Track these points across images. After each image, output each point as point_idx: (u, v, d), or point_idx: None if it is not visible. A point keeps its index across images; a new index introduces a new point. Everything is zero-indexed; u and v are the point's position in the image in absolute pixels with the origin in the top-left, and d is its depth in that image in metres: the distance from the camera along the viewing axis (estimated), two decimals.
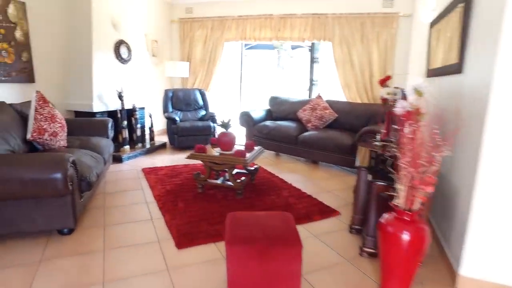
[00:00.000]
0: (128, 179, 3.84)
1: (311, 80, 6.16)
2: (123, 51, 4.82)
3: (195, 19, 6.40)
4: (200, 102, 5.95)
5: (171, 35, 6.77)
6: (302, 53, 7.27)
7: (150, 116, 5.27)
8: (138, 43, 5.15)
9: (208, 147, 3.68)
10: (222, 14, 6.21)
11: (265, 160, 4.89)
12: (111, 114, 4.74)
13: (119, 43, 4.73)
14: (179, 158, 4.82)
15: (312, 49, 6.11)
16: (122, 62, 4.82)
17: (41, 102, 3.07)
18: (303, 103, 5.42)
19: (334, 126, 5.02)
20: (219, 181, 3.47)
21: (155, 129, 6.00)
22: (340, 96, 5.80)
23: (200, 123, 5.35)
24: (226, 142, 3.43)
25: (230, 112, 6.71)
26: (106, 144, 3.58)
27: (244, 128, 5.51)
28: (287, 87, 7.99)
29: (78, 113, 4.54)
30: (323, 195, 3.45)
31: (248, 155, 3.39)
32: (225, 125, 3.43)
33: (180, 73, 6.05)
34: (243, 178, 3.45)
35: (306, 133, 4.78)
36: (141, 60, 5.18)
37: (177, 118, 5.30)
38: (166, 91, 5.78)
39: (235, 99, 6.69)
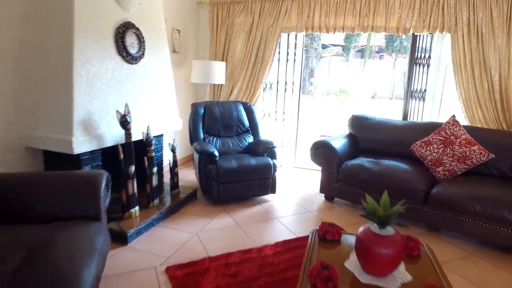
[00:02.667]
0: None
1: (409, 92, 4.11)
2: (131, 41, 2.79)
3: (234, 0, 4.37)
4: (246, 123, 3.90)
5: (199, 23, 4.73)
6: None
7: (173, 150, 3.22)
8: (154, 30, 3.12)
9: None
10: None
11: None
12: (108, 153, 2.71)
13: (125, 28, 2.70)
14: (227, 224, 2.78)
15: (413, 45, 4.06)
16: (129, 61, 2.78)
17: None
18: (418, 129, 3.38)
19: (482, 172, 2.98)
20: None
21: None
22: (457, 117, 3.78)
23: (253, 161, 3.30)
24: (384, 258, 1.40)
25: (286, 139, 4.66)
26: (94, 248, 1.55)
27: (321, 167, 3.47)
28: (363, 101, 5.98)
29: (49, 155, 2.51)
30: None
31: None
32: None
33: (214, 77, 4.01)
34: None
35: (447, 187, 2.74)
36: (159, 59, 3.16)
37: (216, 153, 3.26)
38: (195, 107, 3.74)
39: (290, 118, 4.64)
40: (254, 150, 3.58)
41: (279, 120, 4.65)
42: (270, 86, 4.62)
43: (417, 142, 3.21)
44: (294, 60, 4.46)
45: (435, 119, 3.99)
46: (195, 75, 4.04)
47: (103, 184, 1.91)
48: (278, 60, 4.49)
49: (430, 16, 3.68)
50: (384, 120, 3.69)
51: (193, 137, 3.63)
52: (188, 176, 4.12)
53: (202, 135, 3.66)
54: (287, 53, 4.45)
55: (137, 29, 2.83)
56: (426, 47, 3.98)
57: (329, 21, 4.01)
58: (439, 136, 3.08)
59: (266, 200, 3.47)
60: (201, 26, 4.72)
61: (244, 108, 3.94)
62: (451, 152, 2.95)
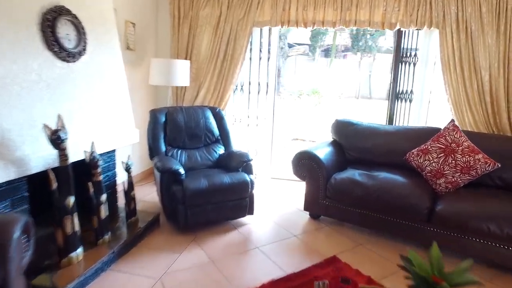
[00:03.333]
0: None
1: (395, 94, 3.76)
2: (66, 32, 2.14)
3: None
4: (216, 131, 3.35)
5: (157, 16, 4.10)
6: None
7: (128, 169, 2.59)
8: (100, 19, 2.48)
9: None
10: None
11: (364, 257, 2.40)
12: (35, 180, 2.04)
13: (56, 14, 2.05)
14: (199, 261, 2.22)
15: (398, 41, 3.71)
16: (65, 58, 2.13)
17: None
18: (412, 136, 3.01)
19: (485, 183, 2.66)
20: None
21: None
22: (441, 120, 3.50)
23: (226, 178, 2.76)
24: None
25: (261, 146, 4.14)
26: None
27: (305, 181, 3.01)
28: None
29: None
30: None
31: None
32: None
33: (177, 78, 3.43)
34: None
35: (453, 203, 2.38)
36: (107, 56, 2.52)
37: (181, 170, 2.68)
38: (155, 114, 3.14)
39: (264, 123, 4.13)
40: (226, 164, 3.04)
41: (252, 125, 4.13)
42: (241, 88, 4.10)
43: (413, 151, 2.84)
44: (268, 58, 3.97)
45: (423, 123, 3.67)
46: (154, 76, 3.43)
47: (15, 235, 1.30)
48: (250, 59, 3.97)
49: (418, 10, 3.34)
50: (373, 125, 3.30)
51: (153, 150, 3.03)
52: (149, 195, 3.49)
53: (164, 148, 3.07)
54: (260, 50, 3.95)
55: (74, 16, 2.19)
56: (411, 45, 3.65)
57: (307, 15, 3.55)
58: (438, 143, 2.72)
59: (243, 224, 2.94)
60: (160, 20, 4.09)
61: (212, 114, 3.39)
62: (453, 161, 2.60)
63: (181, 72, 3.45)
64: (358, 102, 13.12)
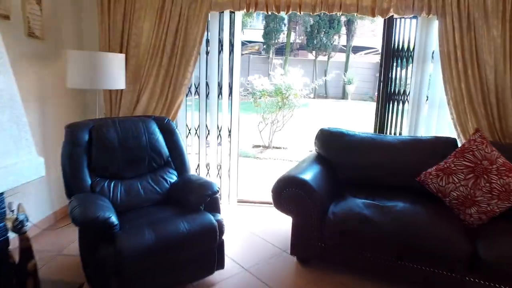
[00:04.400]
0: None
1: (386, 94, 3.11)
2: None
3: None
4: (165, 151, 2.43)
5: None
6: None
7: (19, 227, 1.60)
8: None
9: None
10: None
11: None
12: None
13: None
14: None
15: (388, 32, 3.06)
16: None
17: None
18: (424, 149, 2.37)
19: None
20: None
21: (32, 221, 2.31)
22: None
23: (182, 225, 1.86)
24: None
25: (224, 163, 3.25)
26: None
27: (292, 216, 2.22)
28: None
29: None
30: None
31: None
32: None
33: (108, 79, 2.46)
34: None
35: (500, 244, 1.75)
36: None
37: (113, 219, 1.75)
38: (72, 132, 2.14)
39: (227, 134, 3.28)
40: (182, 199, 2.15)
41: (212, 138, 3.27)
42: (196, 91, 3.22)
43: (430, 170, 2.18)
44: (231, 52, 3.13)
45: (421, 131, 3.07)
46: (73, 75, 2.42)
47: None
48: (207, 53, 3.11)
49: None
50: (370, 136, 2.61)
51: (71, 185, 2.05)
52: (72, 244, 2.48)
53: (89, 181, 2.10)
54: (220, 42, 3.09)
55: None
56: (404, 37, 3.03)
57: None
58: (464, 160, 2.08)
59: (211, 284, 2.08)
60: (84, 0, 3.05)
61: (159, 128, 2.46)
62: (488, 184, 1.98)
63: (114, 70, 2.49)
64: (315, 102, 12.75)
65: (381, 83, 3.13)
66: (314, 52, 15.10)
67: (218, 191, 2.13)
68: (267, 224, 2.95)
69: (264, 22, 15.68)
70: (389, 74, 3.08)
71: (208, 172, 3.35)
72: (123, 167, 2.24)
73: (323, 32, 14.40)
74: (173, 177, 2.40)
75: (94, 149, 2.15)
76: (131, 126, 2.32)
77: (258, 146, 6.67)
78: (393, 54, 3.05)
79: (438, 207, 2.07)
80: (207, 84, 3.16)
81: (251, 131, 7.23)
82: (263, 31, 15.41)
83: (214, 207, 2.11)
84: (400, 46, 3.04)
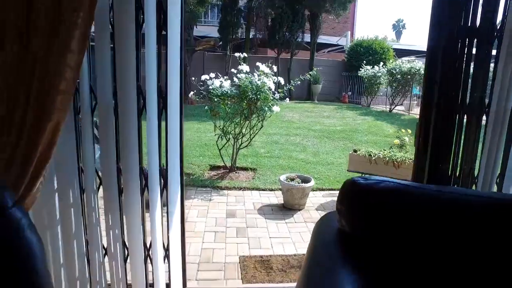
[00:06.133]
0: None
1: (451, 103, 1.78)
2: None
3: None
4: None
5: None
6: None
7: None
8: None
9: None
10: None
11: None
12: None
13: None
14: None
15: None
16: None
17: None
18: None
19: None
20: None
21: None
22: None
23: None
24: None
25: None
26: None
27: None
28: None
29: None
30: None
31: None
32: None
33: None
34: None
35: None
36: None
37: None
38: None
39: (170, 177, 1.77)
40: None
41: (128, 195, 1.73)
42: (93, 106, 1.67)
43: None
44: (167, 40, 1.61)
45: None
46: None
47: None
48: (112, 34, 1.57)
49: None
50: (427, 189, 1.22)
51: None
52: None
53: None
54: (140, 8, 1.56)
55: None
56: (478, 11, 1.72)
57: None
58: None
59: None
60: None
61: None
62: None
63: None
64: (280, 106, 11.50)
65: (433, 85, 1.79)
66: (276, 49, 13.84)
67: None
68: None
69: (220, 15, 14.17)
70: (454, 70, 1.74)
71: None
72: None
73: (285, 27, 13.16)
74: None
75: None
76: None
77: (218, 168, 5.18)
78: (458, 36, 1.72)
79: None
80: (114, 91, 1.62)
81: (208, 147, 5.78)
82: (218, 26, 13.88)
83: None
84: (477, 22, 1.71)
